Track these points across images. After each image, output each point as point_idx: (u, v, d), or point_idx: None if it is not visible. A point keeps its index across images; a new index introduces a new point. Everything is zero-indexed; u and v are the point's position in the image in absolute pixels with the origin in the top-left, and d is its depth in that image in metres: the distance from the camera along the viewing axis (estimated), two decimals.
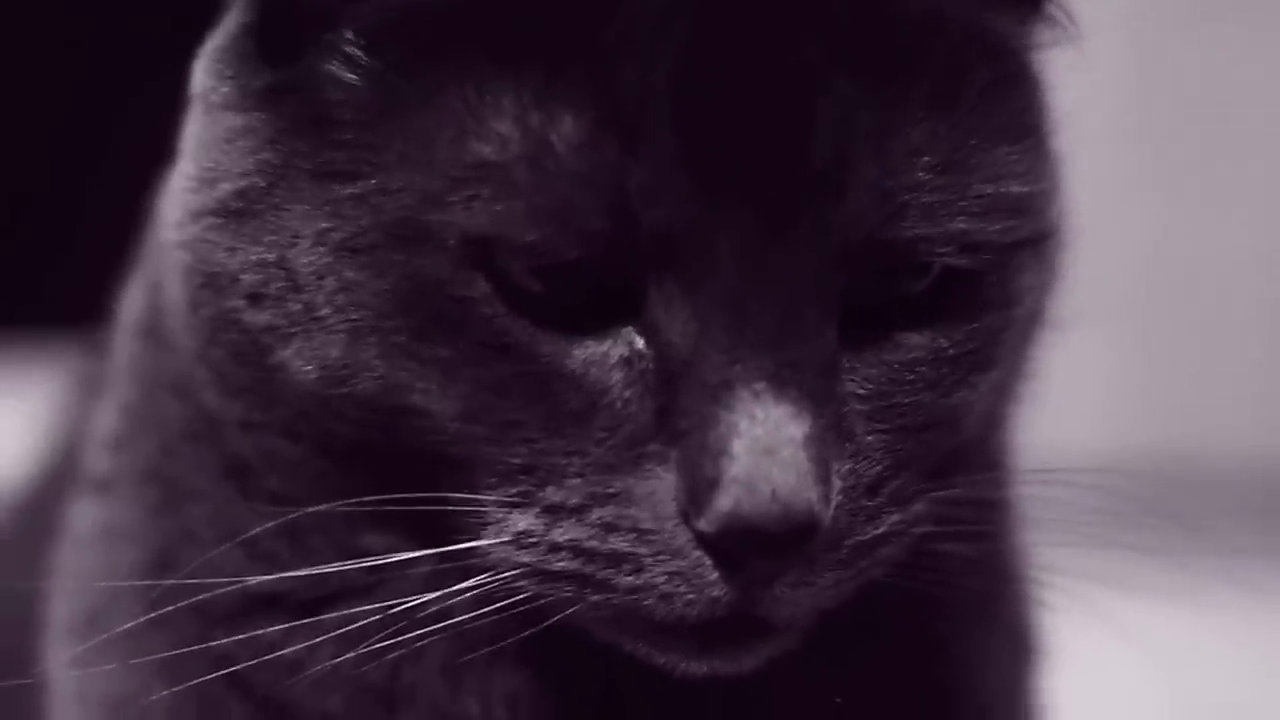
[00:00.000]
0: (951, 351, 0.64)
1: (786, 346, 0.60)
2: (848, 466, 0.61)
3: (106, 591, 0.72)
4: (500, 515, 0.61)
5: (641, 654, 0.63)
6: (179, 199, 0.66)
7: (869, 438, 0.62)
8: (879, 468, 0.62)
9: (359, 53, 0.62)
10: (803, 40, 0.60)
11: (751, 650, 0.63)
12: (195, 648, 0.67)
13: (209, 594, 0.66)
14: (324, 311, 0.62)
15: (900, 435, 0.63)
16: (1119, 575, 0.65)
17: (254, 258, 0.63)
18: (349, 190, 0.61)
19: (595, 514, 0.60)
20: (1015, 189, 0.64)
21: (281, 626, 0.66)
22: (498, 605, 0.62)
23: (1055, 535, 0.66)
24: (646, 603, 0.61)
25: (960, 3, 0.63)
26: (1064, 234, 0.67)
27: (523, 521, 0.61)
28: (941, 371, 0.64)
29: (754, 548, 0.59)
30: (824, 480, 0.60)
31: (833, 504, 0.60)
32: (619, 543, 0.60)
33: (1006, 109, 0.64)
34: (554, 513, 0.61)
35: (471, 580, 0.62)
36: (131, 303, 0.74)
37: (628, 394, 0.61)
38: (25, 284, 1.91)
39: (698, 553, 0.60)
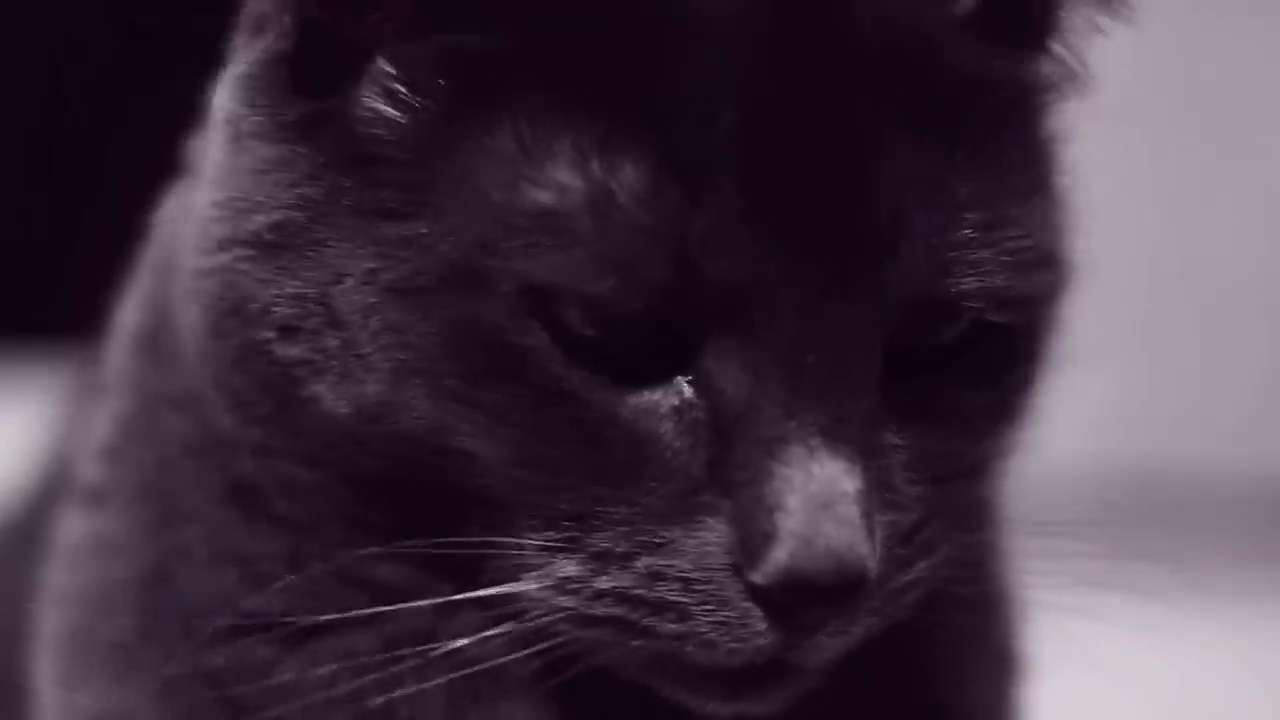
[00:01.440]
0: (982, 402, 0.65)
1: (839, 400, 0.60)
2: (889, 517, 0.62)
3: (97, 605, 0.71)
4: (544, 559, 0.62)
5: (669, 694, 0.64)
6: (200, 225, 0.65)
7: (905, 487, 0.63)
8: (914, 517, 0.63)
9: (401, 88, 0.62)
10: (863, 98, 0.61)
11: (781, 691, 0.64)
12: (185, 667, 0.67)
13: (200, 613, 0.67)
14: (365, 350, 0.61)
15: (932, 485, 0.64)
16: (1108, 582, 0.66)
17: (289, 291, 0.62)
18: (398, 231, 0.61)
19: (643, 562, 0.61)
20: (1046, 242, 0.65)
21: (268, 650, 0.67)
22: (534, 649, 0.63)
23: (1047, 572, 0.66)
24: (688, 649, 0.61)
25: (1000, 61, 0.64)
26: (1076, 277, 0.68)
27: (569, 567, 0.61)
28: (973, 422, 0.65)
29: (807, 601, 0.60)
30: (873, 533, 0.60)
31: (879, 555, 0.61)
32: (666, 591, 0.60)
33: (1038, 162, 0.65)
34: (601, 559, 0.61)
35: (510, 624, 0.62)
36: (130, 314, 0.73)
37: (679, 444, 0.61)
38: (17, 294, 1.91)
39: (747, 604, 0.60)
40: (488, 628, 0.63)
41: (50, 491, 0.85)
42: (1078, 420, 0.80)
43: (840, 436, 0.60)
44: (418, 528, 0.63)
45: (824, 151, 0.60)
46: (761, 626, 0.61)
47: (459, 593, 0.63)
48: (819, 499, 0.59)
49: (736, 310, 0.59)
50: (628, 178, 0.59)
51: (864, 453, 0.61)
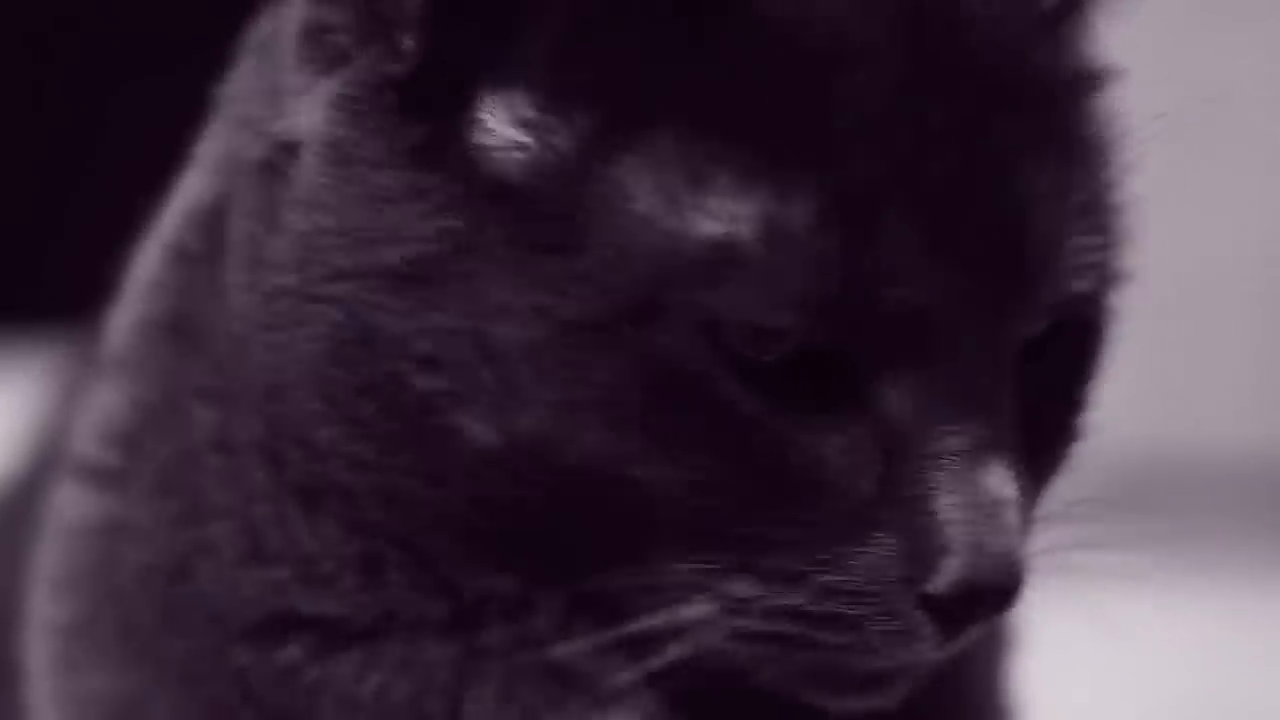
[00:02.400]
0: (1075, 398, 0.67)
1: (998, 412, 0.62)
2: None
3: (106, 589, 0.71)
4: (713, 581, 0.62)
5: (799, 696, 0.65)
6: (299, 250, 0.64)
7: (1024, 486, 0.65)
8: (1027, 515, 0.65)
9: (535, 115, 0.62)
10: (1000, 117, 0.62)
11: (907, 684, 0.66)
12: (209, 661, 0.68)
13: (226, 609, 0.67)
14: (526, 383, 0.61)
15: (1037, 483, 0.66)
16: (1103, 567, 0.67)
17: (433, 325, 0.61)
18: (565, 265, 0.60)
19: (815, 578, 0.61)
20: (1119, 234, 0.67)
21: (303, 651, 0.67)
22: (692, 670, 0.63)
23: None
24: (851, 659, 0.63)
25: (1072, 57, 0.66)
26: None
27: (741, 588, 0.62)
28: (1067, 419, 0.67)
29: (977, 607, 0.62)
30: (1025, 536, 0.63)
31: None
32: (837, 606, 0.62)
33: (1107, 153, 0.67)
34: (772, 578, 0.61)
35: (677, 646, 0.63)
36: (143, 301, 0.72)
37: (850, 464, 0.61)
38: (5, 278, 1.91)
39: (916, 612, 0.62)
40: (594, 638, 0.64)
41: (42, 472, 0.84)
42: None
43: (998, 445, 0.62)
44: (546, 548, 0.63)
45: (983, 175, 0.62)
46: (928, 632, 0.62)
47: (579, 611, 0.64)
48: (986, 509, 0.61)
49: (909, 335, 0.61)
50: (799, 207, 0.60)
51: (1014, 459, 0.62)
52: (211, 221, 0.69)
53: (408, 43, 0.62)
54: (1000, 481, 0.61)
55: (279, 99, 0.66)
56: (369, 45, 0.63)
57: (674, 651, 0.63)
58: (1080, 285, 0.64)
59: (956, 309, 0.61)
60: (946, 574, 0.61)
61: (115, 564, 0.70)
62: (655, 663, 0.63)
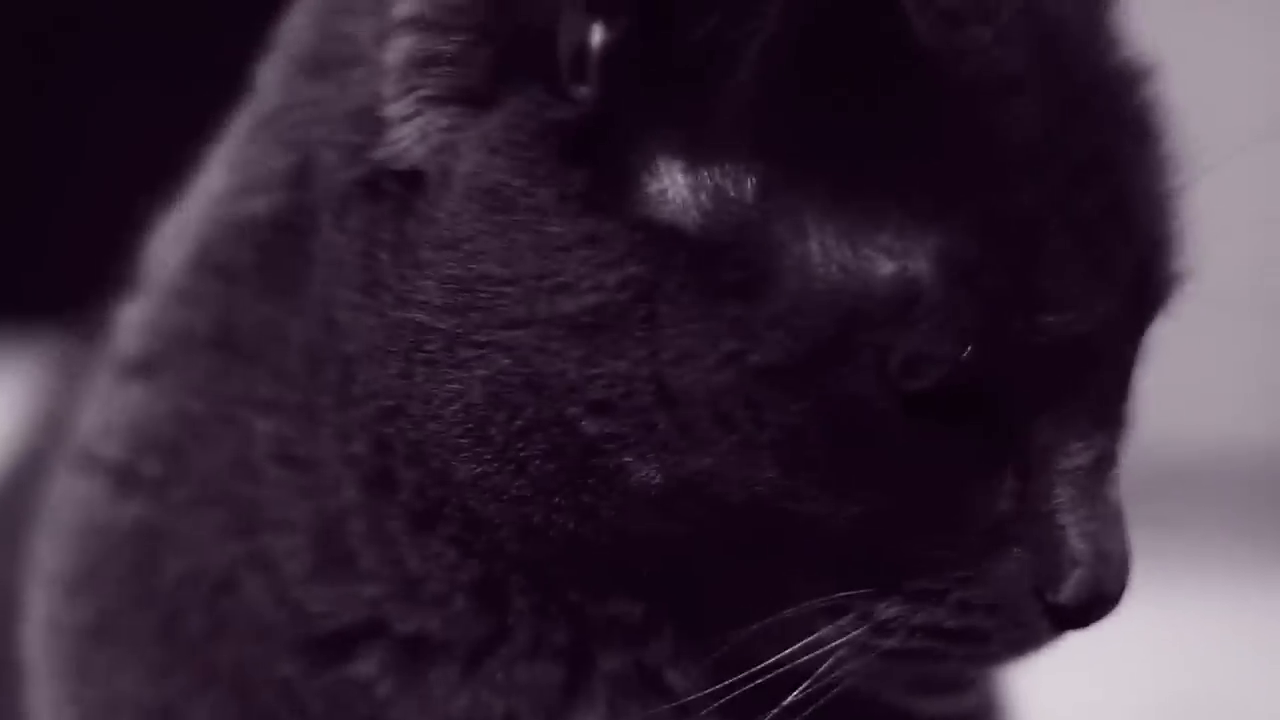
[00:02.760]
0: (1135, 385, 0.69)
1: (1121, 424, 0.65)
2: None
3: (136, 594, 0.70)
4: (860, 606, 0.63)
5: (898, 700, 0.67)
6: (454, 295, 0.63)
7: None
8: None
9: (711, 164, 0.62)
10: (1124, 130, 0.65)
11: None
12: (259, 673, 0.68)
13: (277, 622, 0.67)
14: (702, 426, 0.61)
15: None
16: None
17: (609, 371, 0.61)
18: (755, 311, 0.61)
19: (955, 595, 0.64)
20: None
21: (378, 667, 0.67)
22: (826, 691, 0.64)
23: None
24: (969, 666, 0.66)
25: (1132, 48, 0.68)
26: None
27: (888, 610, 0.63)
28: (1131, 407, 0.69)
29: (1098, 613, 0.64)
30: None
31: None
32: (973, 620, 0.64)
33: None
34: (918, 599, 0.63)
35: (824, 667, 0.64)
36: (186, 310, 0.71)
37: (995, 483, 0.63)
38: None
39: (1041, 620, 0.64)
40: (742, 676, 0.64)
41: (39, 465, 0.83)
42: None
43: (1118, 456, 0.65)
44: (683, 579, 0.65)
45: (1127, 198, 0.64)
46: (1047, 638, 0.65)
47: (688, 637, 0.66)
48: (1109, 520, 0.64)
49: (1065, 361, 0.63)
50: (968, 241, 0.61)
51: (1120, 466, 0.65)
52: (270, 237, 0.68)
53: (582, 91, 0.62)
54: (1117, 490, 0.64)
55: (375, 123, 0.65)
56: (518, 87, 0.63)
57: (817, 680, 0.64)
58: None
59: (1109, 333, 0.63)
60: (1074, 585, 0.63)
61: (151, 569, 0.70)
62: (797, 694, 0.64)
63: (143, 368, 0.72)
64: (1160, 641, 1.18)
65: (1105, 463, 0.64)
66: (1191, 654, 1.51)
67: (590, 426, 0.62)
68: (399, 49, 0.64)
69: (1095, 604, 0.63)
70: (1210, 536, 1.78)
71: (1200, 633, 1.53)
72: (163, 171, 0.76)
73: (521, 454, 0.63)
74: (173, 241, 0.73)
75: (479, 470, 0.64)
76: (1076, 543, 0.63)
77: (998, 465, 0.63)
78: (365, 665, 0.67)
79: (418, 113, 0.64)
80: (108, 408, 0.73)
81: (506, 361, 0.62)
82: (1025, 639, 0.65)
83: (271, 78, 0.70)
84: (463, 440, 0.63)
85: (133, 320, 0.74)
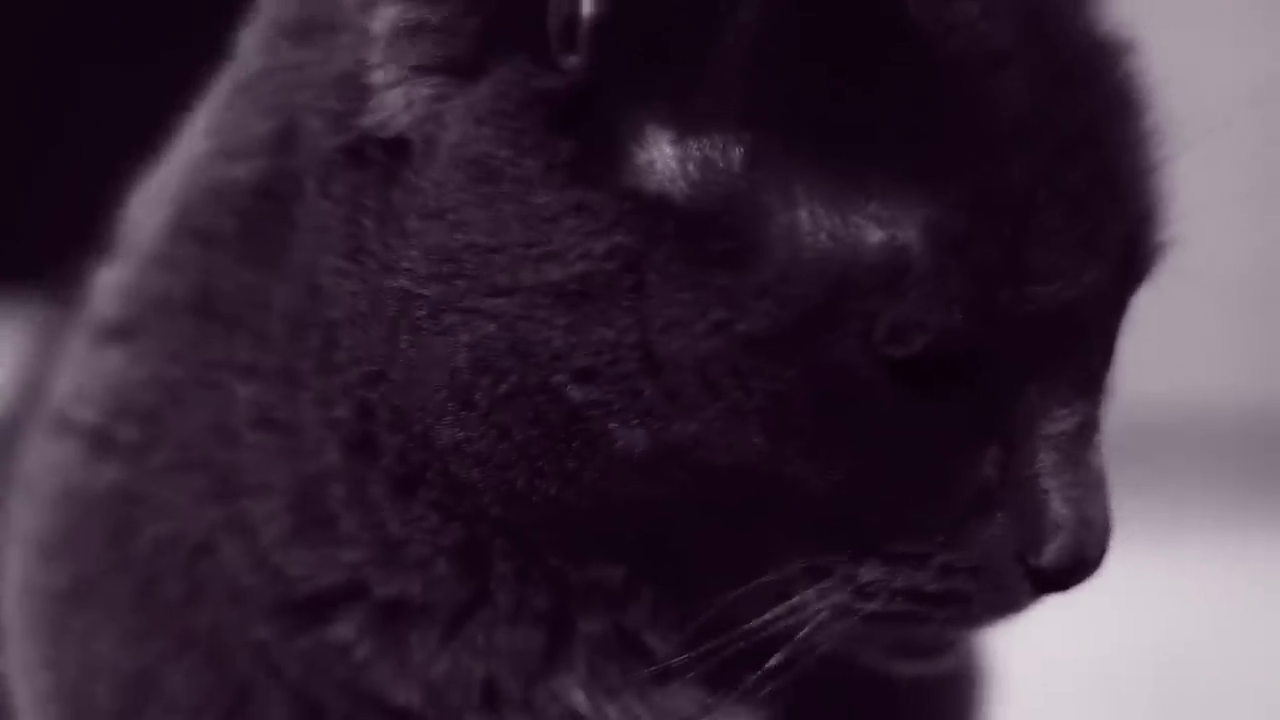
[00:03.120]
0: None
1: (1102, 389, 0.66)
2: None
3: (114, 558, 0.70)
4: (842, 569, 0.64)
5: (878, 664, 0.68)
6: (440, 264, 0.63)
7: None
8: None
9: (700, 133, 0.62)
10: (1112, 103, 0.65)
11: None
12: (238, 637, 0.68)
13: (254, 587, 0.67)
14: (689, 393, 0.62)
15: None
16: None
17: (595, 339, 0.62)
18: (743, 280, 0.61)
19: (938, 559, 0.64)
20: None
21: (354, 629, 0.67)
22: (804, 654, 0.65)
23: None
24: (949, 629, 0.67)
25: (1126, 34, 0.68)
26: None
27: (870, 573, 0.64)
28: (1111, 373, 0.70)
29: (1079, 577, 0.65)
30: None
31: None
32: (954, 583, 0.64)
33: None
34: (900, 562, 0.64)
35: (805, 630, 0.64)
36: (165, 275, 0.71)
37: (979, 450, 0.64)
38: None
39: (1023, 583, 0.65)
40: (721, 641, 0.65)
41: (16, 432, 0.82)
42: None
43: (1100, 421, 0.65)
44: (665, 544, 0.65)
45: (1115, 169, 0.64)
46: (1027, 601, 0.65)
47: (667, 600, 0.66)
48: (1092, 486, 0.64)
49: (1052, 330, 0.63)
50: (958, 211, 0.61)
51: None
52: (252, 203, 0.68)
53: (571, 60, 0.62)
54: (1100, 456, 0.64)
55: (361, 91, 0.65)
56: (505, 57, 0.63)
57: (798, 644, 0.64)
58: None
59: (1095, 303, 0.64)
60: (1057, 549, 0.63)
61: (127, 534, 0.70)
62: (778, 658, 0.64)
63: (120, 332, 0.72)
64: (1133, 597, 1.19)
65: (1088, 429, 0.64)
66: (1165, 609, 1.52)
67: (575, 393, 0.62)
68: (385, 17, 0.64)
69: (1077, 568, 0.64)
70: (1182, 493, 1.79)
71: (1173, 588, 1.54)
72: (141, 135, 0.76)
73: (505, 420, 0.63)
74: (151, 205, 0.73)
75: (462, 435, 0.64)
76: (1059, 507, 0.63)
77: (982, 432, 0.63)
78: (344, 628, 0.67)
79: (403, 81, 0.64)
80: (84, 372, 0.73)
81: (492, 328, 0.63)
82: (1006, 602, 0.65)
83: (253, 42, 0.70)
84: (447, 405, 0.64)
85: (109, 284, 0.74)
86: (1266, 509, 1.81)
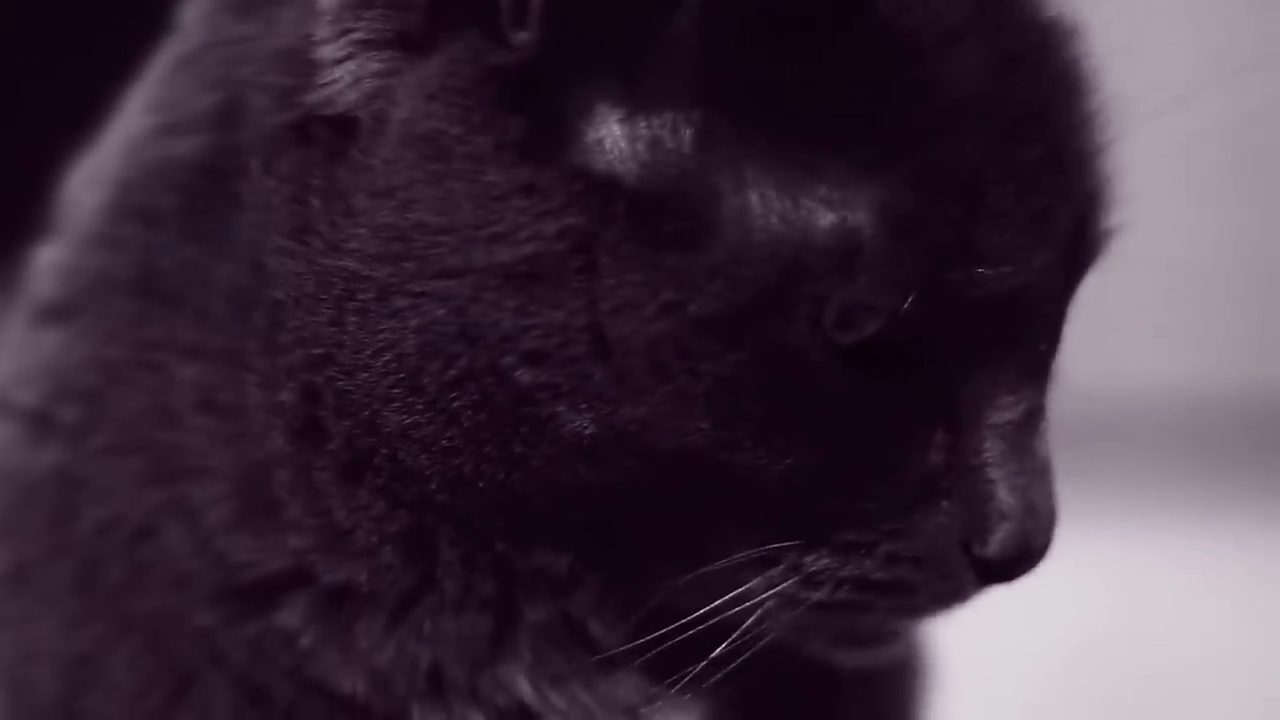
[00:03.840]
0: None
1: (1049, 376, 0.65)
2: None
3: (53, 542, 0.69)
4: (789, 558, 0.63)
5: (824, 654, 0.67)
6: (388, 244, 0.62)
7: None
8: None
9: (649, 113, 0.61)
10: (1074, 89, 0.65)
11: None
12: (178, 623, 0.67)
13: (196, 571, 0.66)
14: (638, 376, 0.61)
15: None
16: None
17: (545, 321, 0.61)
18: (694, 261, 0.60)
19: (884, 548, 0.64)
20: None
21: (299, 615, 0.66)
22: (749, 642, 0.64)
23: None
24: (893, 619, 0.66)
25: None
26: None
27: (816, 561, 0.63)
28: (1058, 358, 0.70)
29: (1024, 567, 0.64)
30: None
31: None
32: (900, 572, 0.64)
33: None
34: (847, 551, 0.63)
35: (751, 619, 0.64)
36: (105, 253, 0.70)
37: (927, 437, 0.63)
38: None
39: (969, 574, 0.64)
40: (670, 629, 0.64)
41: None
42: None
43: (1045, 410, 0.65)
44: (610, 531, 0.64)
45: (1063, 148, 0.64)
46: (972, 591, 0.65)
47: (612, 587, 0.66)
48: (1039, 474, 0.64)
49: (1000, 313, 0.63)
50: (908, 192, 0.61)
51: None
52: (194, 180, 0.67)
53: (521, 36, 0.61)
54: (1046, 444, 0.64)
55: (307, 66, 0.64)
56: (456, 32, 0.62)
57: (744, 633, 0.64)
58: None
59: (1044, 288, 0.63)
60: (1002, 539, 0.63)
61: (67, 517, 0.69)
62: (724, 647, 0.64)
63: (59, 312, 0.71)
64: (1081, 583, 1.19)
65: (1034, 416, 0.64)
66: (1112, 595, 1.52)
67: (524, 376, 0.61)
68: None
69: (1021, 558, 0.64)
70: (1128, 480, 1.80)
71: (1120, 574, 1.55)
72: (79, 111, 0.74)
73: (454, 404, 0.62)
74: (90, 183, 0.72)
75: (410, 420, 0.63)
76: (1005, 496, 0.63)
77: (930, 419, 0.63)
78: (289, 615, 0.66)
79: (351, 56, 0.63)
80: (23, 353, 0.72)
81: (441, 311, 0.62)
82: (951, 592, 0.65)
83: (195, 15, 0.69)
84: (394, 390, 0.63)
85: (48, 264, 0.73)
86: (1222, 496, 1.82)
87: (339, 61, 0.63)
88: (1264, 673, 1.45)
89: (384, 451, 0.64)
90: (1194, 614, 1.54)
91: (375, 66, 0.63)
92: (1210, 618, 1.54)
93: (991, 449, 0.63)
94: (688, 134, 0.61)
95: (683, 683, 0.65)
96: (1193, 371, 2.05)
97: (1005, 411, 0.64)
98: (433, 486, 0.64)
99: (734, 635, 0.64)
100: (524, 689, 0.67)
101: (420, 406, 0.63)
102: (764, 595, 0.64)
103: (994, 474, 0.63)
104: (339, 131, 0.64)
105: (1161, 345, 2.03)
